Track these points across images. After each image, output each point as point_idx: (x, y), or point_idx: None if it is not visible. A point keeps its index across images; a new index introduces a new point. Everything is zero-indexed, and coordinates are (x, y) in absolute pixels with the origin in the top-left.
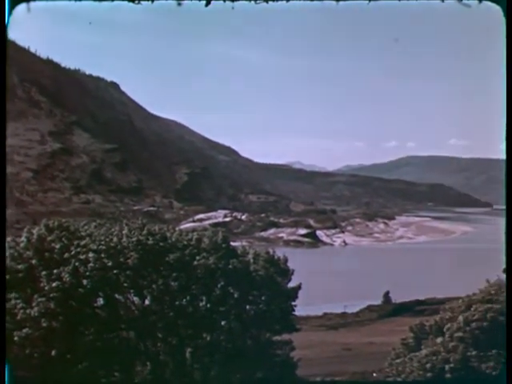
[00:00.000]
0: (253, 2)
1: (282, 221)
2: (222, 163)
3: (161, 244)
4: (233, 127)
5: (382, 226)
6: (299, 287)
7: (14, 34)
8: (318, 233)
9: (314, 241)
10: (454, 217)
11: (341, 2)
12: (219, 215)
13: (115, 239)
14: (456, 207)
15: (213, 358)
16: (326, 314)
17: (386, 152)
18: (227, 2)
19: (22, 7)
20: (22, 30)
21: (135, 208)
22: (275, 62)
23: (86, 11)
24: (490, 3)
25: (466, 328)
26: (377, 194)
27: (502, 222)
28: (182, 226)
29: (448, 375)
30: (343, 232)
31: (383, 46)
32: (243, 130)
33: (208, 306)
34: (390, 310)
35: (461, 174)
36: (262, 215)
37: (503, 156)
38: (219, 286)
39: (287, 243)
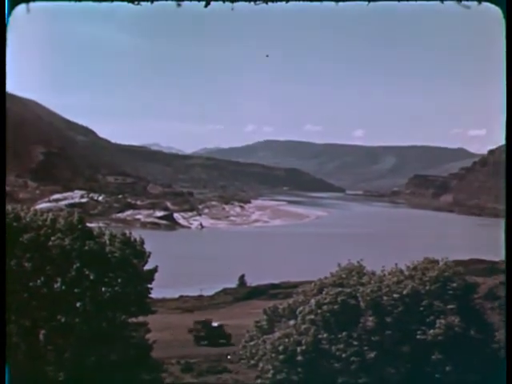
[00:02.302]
0: (252, 2)
1: (139, 203)
2: (80, 144)
3: (14, 224)
4: (92, 108)
5: (238, 209)
6: (155, 270)
7: (14, 33)
8: (176, 215)
9: (172, 223)
10: (308, 201)
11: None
12: (76, 196)
13: None
14: (310, 192)
15: (67, 340)
16: (182, 296)
17: (244, 136)
18: (226, 3)
19: (21, 7)
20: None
21: None
22: (141, 46)
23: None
24: (489, 4)
25: (317, 311)
26: (233, 177)
27: (354, 206)
28: (38, 206)
29: (299, 357)
30: (200, 215)
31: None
32: (102, 112)
33: (63, 287)
34: (245, 293)
35: (315, 159)
36: (119, 197)
37: (357, 142)
38: (74, 267)
39: (144, 225)
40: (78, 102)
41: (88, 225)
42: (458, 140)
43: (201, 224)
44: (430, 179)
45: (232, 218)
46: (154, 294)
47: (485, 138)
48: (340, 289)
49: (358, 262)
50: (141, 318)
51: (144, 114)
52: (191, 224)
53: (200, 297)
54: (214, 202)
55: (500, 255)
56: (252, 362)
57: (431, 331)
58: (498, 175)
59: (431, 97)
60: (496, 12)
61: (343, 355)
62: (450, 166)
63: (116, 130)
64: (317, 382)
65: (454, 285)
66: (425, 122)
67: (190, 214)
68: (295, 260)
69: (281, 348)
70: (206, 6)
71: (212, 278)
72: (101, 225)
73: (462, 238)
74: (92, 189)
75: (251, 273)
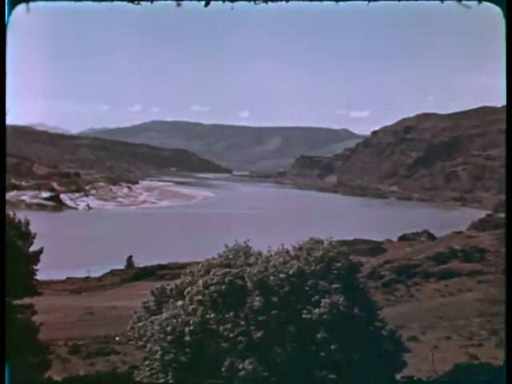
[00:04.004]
0: (252, 2)
1: (24, 183)
2: None
3: None
4: None
5: (125, 190)
6: (41, 251)
7: (14, 33)
8: (62, 196)
9: (58, 204)
10: (196, 182)
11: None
12: None
13: None
14: (198, 173)
15: None
16: (69, 278)
17: (131, 116)
18: (226, 3)
19: (21, 7)
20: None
21: None
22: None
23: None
24: (489, 4)
25: (205, 291)
26: (121, 157)
27: (240, 187)
28: None
29: (187, 338)
30: (87, 196)
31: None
32: None
33: None
34: (132, 274)
35: (202, 139)
36: None
37: (244, 123)
38: None
39: (30, 206)
40: None
41: None
42: (341, 121)
43: (88, 205)
44: (315, 160)
45: (119, 199)
46: (39, 276)
47: (367, 120)
48: (227, 269)
49: (245, 243)
50: (26, 300)
51: (28, 93)
52: (78, 205)
53: (87, 278)
54: (101, 183)
55: (383, 235)
56: (140, 343)
57: (316, 310)
58: (381, 156)
59: (314, 78)
60: (496, 12)
61: (231, 335)
62: (335, 147)
63: None
64: (205, 362)
65: (339, 264)
66: (309, 103)
67: (76, 194)
68: (183, 241)
69: (169, 329)
70: (206, 5)
71: (99, 260)
72: None
73: (346, 219)
74: None
75: (139, 254)
